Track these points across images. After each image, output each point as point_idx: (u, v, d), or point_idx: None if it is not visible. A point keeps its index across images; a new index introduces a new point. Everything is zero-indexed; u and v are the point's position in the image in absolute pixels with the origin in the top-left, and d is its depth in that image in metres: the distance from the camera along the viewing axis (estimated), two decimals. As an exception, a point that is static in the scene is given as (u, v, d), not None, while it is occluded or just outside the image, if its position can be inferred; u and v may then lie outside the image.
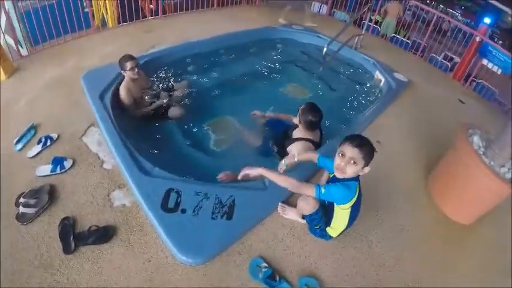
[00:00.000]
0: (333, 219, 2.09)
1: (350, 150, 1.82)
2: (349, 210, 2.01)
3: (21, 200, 2.20)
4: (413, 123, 3.75)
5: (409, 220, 2.59)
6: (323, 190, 1.89)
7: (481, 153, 2.54)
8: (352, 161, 1.82)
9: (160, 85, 3.80)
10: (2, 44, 3.78)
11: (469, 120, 3.87)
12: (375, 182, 2.68)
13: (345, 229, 2.14)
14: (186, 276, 1.96)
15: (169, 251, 2.05)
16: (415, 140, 3.49)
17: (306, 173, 2.64)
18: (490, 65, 5.73)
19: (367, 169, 1.88)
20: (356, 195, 1.95)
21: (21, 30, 4.24)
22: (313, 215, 2.12)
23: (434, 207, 2.78)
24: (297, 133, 2.86)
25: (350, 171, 1.86)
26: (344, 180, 1.91)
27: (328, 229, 2.15)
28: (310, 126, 2.73)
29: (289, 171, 2.46)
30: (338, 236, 2.19)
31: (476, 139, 2.65)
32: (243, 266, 2.04)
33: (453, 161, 2.77)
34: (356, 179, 1.93)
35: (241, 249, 2.12)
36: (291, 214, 2.36)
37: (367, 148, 1.83)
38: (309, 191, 1.94)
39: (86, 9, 5.03)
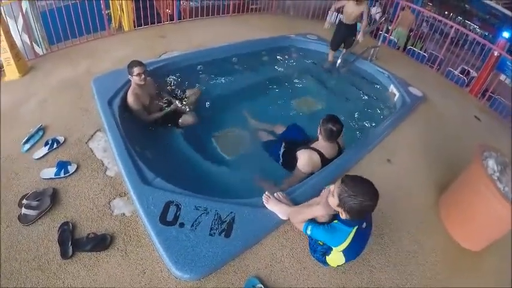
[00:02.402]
0: (332, 252, 2.04)
1: (337, 181, 1.86)
2: (340, 253, 1.97)
3: (24, 201, 2.24)
4: (427, 140, 3.64)
5: (415, 245, 2.49)
6: (309, 231, 2.01)
7: (496, 178, 2.42)
8: (332, 191, 1.87)
9: (171, 91, 3.80)
10: (18, 43, 3.85)
11: (484, 139, 3.76)
12: (381, 203, 2.57)
13: (344, 263, 2.09)
14: (179, 291, 1.93)
15: (165, 264, 2.02)
16: (428, 158, 3.37)
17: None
18: (507, 81, 5.55)
19: (342, 214, 1.85)
20: (347, 242, 1.89)
21: (38, 30, 4.32)
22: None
23: (443, 232, 2.67)
24: (315, 144, 2.87)
25: (329, 200, 1.91)
26: (341, 221, 1.91)
27: (327, 257, 2.09)
28: (330, 135, 2.72)
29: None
30: (336, 267, 2.15)
31: (491, 163, 2.53)
32: (238, 285, 1.99)
33: (466, 185, 2.67)
34: (353, 224, 1.88)
35: (237, 268, 2.07)
36: (273, 206, 2.34)
37: (347, 189, 1.77)
38: (300, 226, 2.10)
39: (108, 11, 5.09)
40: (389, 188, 2.79)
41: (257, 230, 2.24)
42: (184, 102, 3.59)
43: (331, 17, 5.68)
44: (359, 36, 4.92)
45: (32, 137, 2.84)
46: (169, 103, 3.57)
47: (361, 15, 4.87)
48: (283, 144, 3.18)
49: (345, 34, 5.10)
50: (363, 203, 1.74)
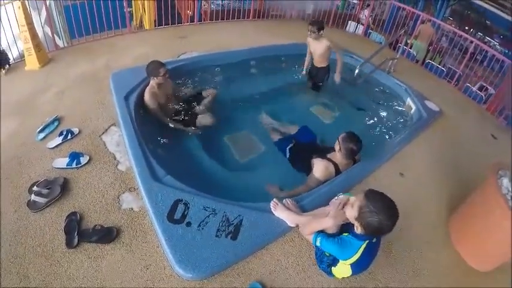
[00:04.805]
0: (338, 264, 1.99)
1: (359, 194, 1.80)
2: (348, 266, 1.92)
3: (35, 188, 2.29)
4: (441, 156, 3.56)
5: (423, 262, 2.42)
6: (318, 243, 1.96)
7: (509, 197, 2.34)
8: (352, 203, 1.81)
9: (188, 91, 3.83)
10: (40, 35, 3.94)
11: (500, 157, 3.65)
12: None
13: (350, 276, 2.04)
14: (180, 290, 1.92)
15: (168, 261, 2.02)
16: (441, 174, 3.29)
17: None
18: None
19: (358, 228, 1.80)
20: (357, 256, 1.84)
21: (60, 23, 4.41)
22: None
23: (452, 250, 2.59)
24: (330, 155, 2.90)
25: (347, 212, 1.85)
26: (352, 234, 1.87)
27: (333, 268, 2.04)
28: (351, 154, 2.76)
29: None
30: (341, 279, 2.10)
31: (506, 182, 2.44)
32: (241, 288, 1.97)
33: (478, 203, 2.59)
34: (364, 238, 1.83)
35: (241, 272, 2.04)
36: (280, 213, 2.31)
37: (369, 204, 1.71)
38: (310, 237, 2.07)
39: (130, 9, 5.17)
40: (400, 202, 2.64)
41: (264, 235, 2.21)
42: (200, 103, 3.62)
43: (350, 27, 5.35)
44: (335, 77, 4.40)
45: (47, 127, 2.90)
46: (184, 102, 3.60)
47: (327, 53, 4.26)
48: (293, 141, 3.28)
49: (312, 77, 4.61)
50: (382, 222, 1.68)
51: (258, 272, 2.07)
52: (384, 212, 1.68)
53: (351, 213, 1.80)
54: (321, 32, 4.06)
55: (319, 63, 4.40)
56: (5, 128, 2.88)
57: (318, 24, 4.06)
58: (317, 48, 4.24)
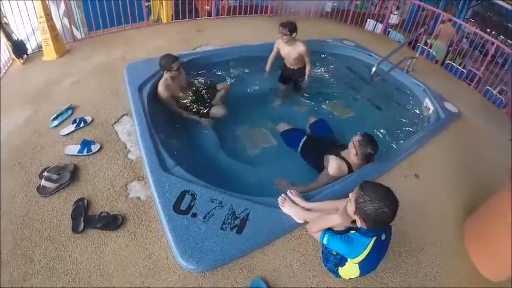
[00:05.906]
0: (346, 264, 1.93)
1: (355, 188, 1.78)
2: (356, 265, 1.86)
3: (45, 173, 2.32)
4: (458, 159, 3.43)
5: (434, 268, 2.32)
6: (325, 241, 1.89)
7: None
8: (350, 198, 1.79)
9: (202, 84, 3.82)
10: (58, 26, 4.00)
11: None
12: (404, 219, 2.46)
13: (357, 277, 1.98)
14: (181, 281, 1.90)
15: (171, 252, 2.01)
16: (457, 178, 3.17)
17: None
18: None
19: (358, 221, 1.76)
20: (365, 253, 1.78)
21: (78, 15, 4.47)
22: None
23: (464, 257, 2.48)
24: (344, 153, 2.85)
25: (348, 207, 1.82)
26: (359, 231, 1.81)
27: (340, 268, 1.98)
28: (367, 157, 2.74)
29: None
30: (348, 280, 2.04)
31: (523, 188, 2.34)
32: (243, 284, 1.93)
33: (494, 210, 2.48)
34: (371, 235, 1.77)
35: (244, 266, 2.01)
36: (288, 209, 2.28)
37: (363, 194, 1.69)
38: (317, 235, 2.00)
39: (148, 4, 5.21)
40: (413, 204, 2.66)
41: (270, 230, 2.17)
42: (214, 96, 3.62)
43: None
44: (304, 82, 4.16)
45: (61, 115, 2.94)
46: (197, 95, 3.60)
47: (302, 57, 3.91)
48: (306, 135, 3.25)
49: (286, 80, 4.27)
50: (379, 209, 1.63)
51: (262, 267, 2.03)
52: (379, 200, 1.64)
53: (350, 208, 1.77)
54: (294, 34, 3.71)
55: (294, 65, 4.07)
56: (20, 115, 2.95)
57: (290, 25, 3.67)
58: (290, 52, 3.91)
